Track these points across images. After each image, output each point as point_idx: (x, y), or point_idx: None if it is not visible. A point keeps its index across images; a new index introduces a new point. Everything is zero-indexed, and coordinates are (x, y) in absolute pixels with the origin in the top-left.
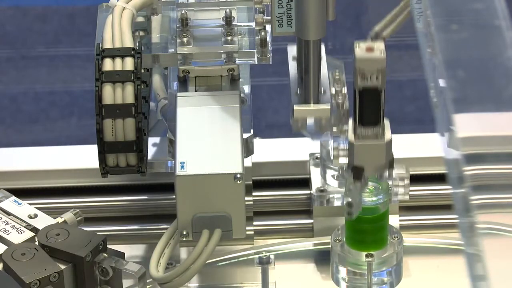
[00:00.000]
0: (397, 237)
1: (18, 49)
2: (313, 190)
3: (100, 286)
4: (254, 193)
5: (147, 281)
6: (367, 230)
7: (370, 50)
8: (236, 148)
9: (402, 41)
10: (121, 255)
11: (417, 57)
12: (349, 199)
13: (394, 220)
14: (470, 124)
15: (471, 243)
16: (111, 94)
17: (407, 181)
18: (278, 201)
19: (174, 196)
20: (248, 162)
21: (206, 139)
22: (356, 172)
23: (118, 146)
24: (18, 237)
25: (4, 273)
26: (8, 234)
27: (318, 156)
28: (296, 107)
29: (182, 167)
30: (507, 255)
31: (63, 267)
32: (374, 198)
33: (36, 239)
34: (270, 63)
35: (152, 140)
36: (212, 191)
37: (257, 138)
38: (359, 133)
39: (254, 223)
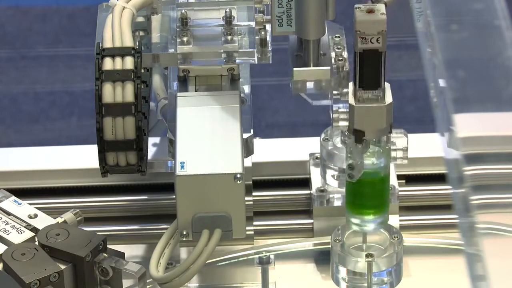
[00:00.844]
0: (397, 237)
1: (18, 49)
2: (313, 190)
3: (100, 286)
4: (254, 193)
5: (147, 281)
6: (367, 194)
7: (370, 12)
8: (236, 148)
9: (402, 41)
10: (121, 255)
11: (417, 57)
12: (351, 161)
13: (394, 220)
14: (470, 124)
15: (471, 243)
16: (111, 93)
17: (405, 145)
18: (278, 201)
19: (174, 196)
20: (248, 162)
21: (206, 139)
22: (356, 135)
23: (118, 145)
24: (18, 237)
25: (4, 273)
26: (8, 234)
27: (318, 156)
28: (295, 68)
29: (182, 167)
30: (507, 255)
31: (63, 267)
32: (375, 162)
33: (36, 239)
34: (270, 62)
35: (152, 140)
36: (212, 191)
37: (257, 138)
38: (359, 96)
39: (254, 223)
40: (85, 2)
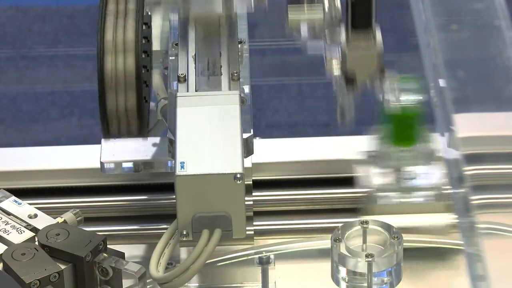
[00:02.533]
0: (397, 237)
1: (18, 49)
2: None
3: (100, 286)
4: (254, 193)
5: (147, 281)
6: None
7: None
8: (236, 148)
9: (402, 41)
10: (121, 255)
11: (417, 57)
12: (341, 108)
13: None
14: (470, 124)
15: (471, 243)
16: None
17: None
18: (278, 201)
19: (174, 196)
20: (248, 162)
21: (206, 139)
22: (348, 81)
23: (118, 81)
24: (18, 237)
25: (4, 273)
26: (8, 234)
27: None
28: (290, 5)
29: (182, 167)
30: (507, 255)
31: (63, 267)
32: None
33: (36, 239)
34: (266, 5)
35: (152, 140)
36: (212, 191)
37: (257, 138)
38: (351, 41)
39: (254, 223)
40: (85, 2)
